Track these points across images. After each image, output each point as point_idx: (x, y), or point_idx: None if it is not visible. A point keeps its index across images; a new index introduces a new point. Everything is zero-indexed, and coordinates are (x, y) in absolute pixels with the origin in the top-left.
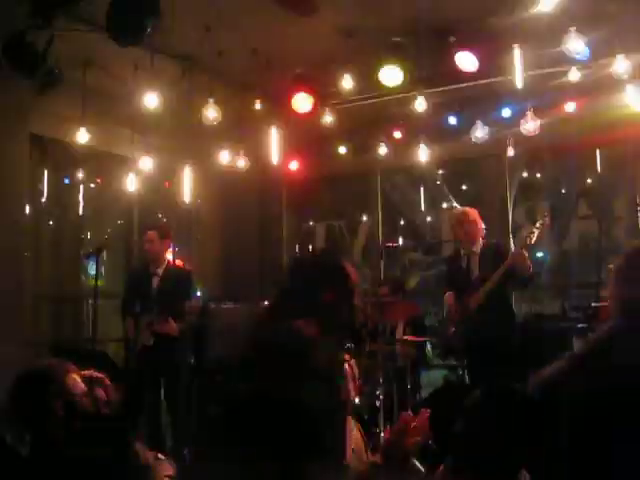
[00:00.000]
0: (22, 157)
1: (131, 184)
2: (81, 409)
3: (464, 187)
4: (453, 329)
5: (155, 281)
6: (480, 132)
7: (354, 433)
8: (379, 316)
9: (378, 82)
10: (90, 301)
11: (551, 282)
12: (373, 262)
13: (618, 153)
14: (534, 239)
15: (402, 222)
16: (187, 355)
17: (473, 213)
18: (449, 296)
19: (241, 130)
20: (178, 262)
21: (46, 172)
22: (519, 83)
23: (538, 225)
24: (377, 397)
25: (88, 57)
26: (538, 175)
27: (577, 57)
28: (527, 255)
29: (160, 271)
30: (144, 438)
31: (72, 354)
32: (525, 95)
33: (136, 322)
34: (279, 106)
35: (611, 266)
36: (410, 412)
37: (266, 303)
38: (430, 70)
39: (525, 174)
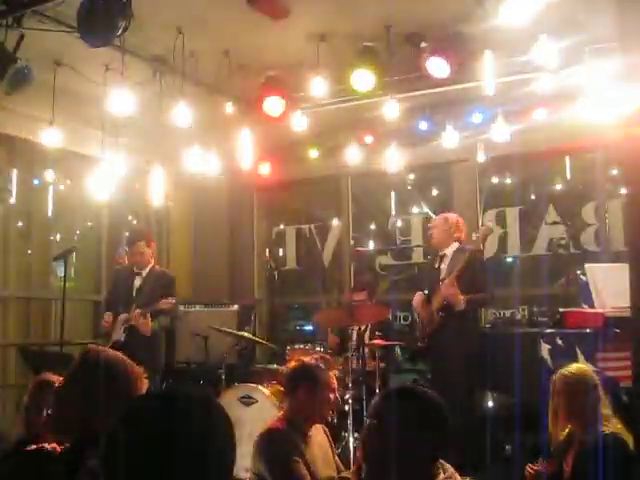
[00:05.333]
0: None
1: (101, 186)
2: None
3: (434, 192)
4: (420, 332)
5: (138, 280)
6: (450, 137)
7: (322, 438)
8: (350, 319)
9: (349, 86)
10: (58, 303)
11: (519, 287)
12: (343, 266)
13: (587, 160)
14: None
15: (372, 226)
16: (159, 355)
17: (450, 219)
18: (417, 297)
19: (212, 133)
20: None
21: (15, 172)
22: (490, 89)
23: (480, 233)
24: (346, 401)
25: (58, 57)
26: (508, 181)
27: (547, 64)
28: (458, 290)
29: (144, 272)
30: None
31: (39, 356)
32: (495, 101)
33: (114, 318)
34: (250, 109)
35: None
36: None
37: None
38: (401, 75)
39: (495, 179)
